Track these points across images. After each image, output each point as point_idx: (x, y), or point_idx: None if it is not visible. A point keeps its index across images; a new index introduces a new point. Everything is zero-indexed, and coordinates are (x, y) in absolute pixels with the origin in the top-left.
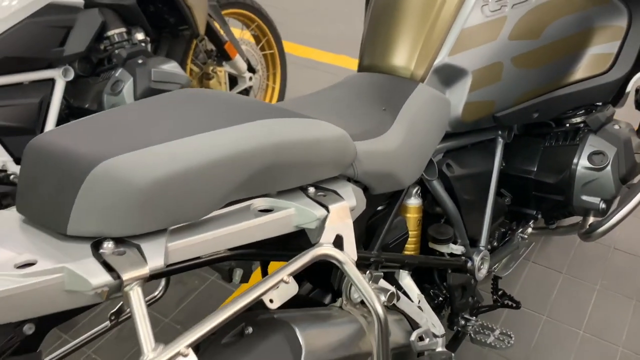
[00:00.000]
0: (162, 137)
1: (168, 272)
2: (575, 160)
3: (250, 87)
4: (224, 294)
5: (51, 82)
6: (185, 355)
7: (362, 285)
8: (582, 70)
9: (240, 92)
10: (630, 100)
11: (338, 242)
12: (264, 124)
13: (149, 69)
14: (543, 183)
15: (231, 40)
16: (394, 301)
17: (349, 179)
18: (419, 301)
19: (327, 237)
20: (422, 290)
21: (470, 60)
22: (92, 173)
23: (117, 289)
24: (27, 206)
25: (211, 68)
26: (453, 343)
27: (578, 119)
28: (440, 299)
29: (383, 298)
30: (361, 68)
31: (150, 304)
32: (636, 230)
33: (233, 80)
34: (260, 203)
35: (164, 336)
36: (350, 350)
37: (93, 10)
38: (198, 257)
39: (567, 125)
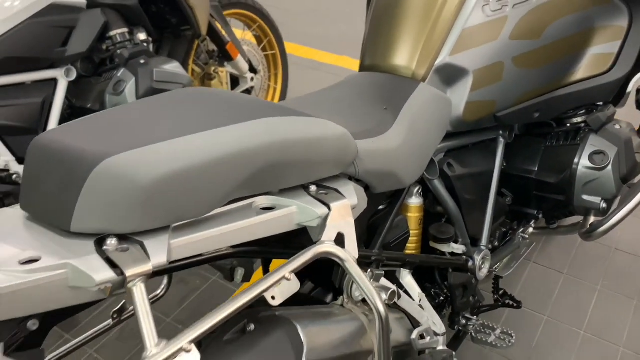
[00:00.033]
0: (164, 135)
1: (171, 269)
2: (576, 160)
3: (252, 87)
4: (225, 293)
5: (54, 82)
6: (188, 351)
7: (364, 283)
8: (582, 70)
9: (242, 93)
10: (631, 100)
11: (339, 240)
12: (266, 122)
13: (151, 69)
14: (544, 183)
15: (233, 41)
16: (395, 299)
17: (351, 178)
18: (420, 300)
19: (329, 235)
20: (423, 289)
21: (472, 60)
22: (96, 171)
23: (121, 286)
24: (30, 204)
25: (213, 68)
26: (454, 342)
27: (579, 119)
28: (441, 298)
29: (384, 296)
30: (363, 68)
31: (152, 303)
32: (637, 231)
33: (235, 81)
34: (262, 201)
35: (166, 335)
36: (352, 348)
37: (95, 10)
38: (200, 255)
39: (568, 125)
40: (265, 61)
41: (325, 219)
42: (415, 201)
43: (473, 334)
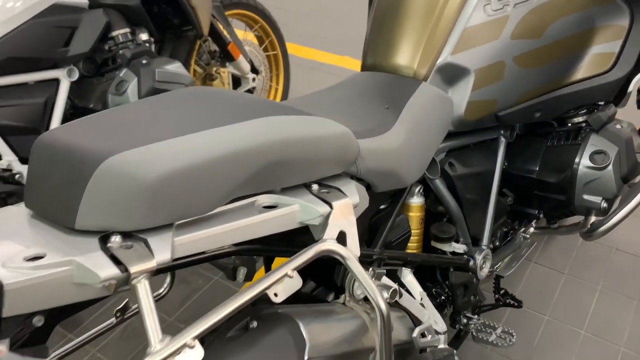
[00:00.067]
0: (168, 133)
1: (174, 266)
2: (577, 160)
3: (254, 88)
4: (227, 293)
5: (56, 82)
6: (192, 347)
7: (365, 281)
8: (583, 69)
9: None
10: (632, 99)
11: (341, 239)
12: (268, 121)
13: (153, 69)
14: (545, 182)
15: (234, 41)
16: (397, 298)
17: (352, 177)
18: (421, 298)
19: (331, 233)
20: (425, 288)
21: (473, 60)
22: (100, 168)
23: (125, 282)
24: (35, 201)
25: (214, 69)
26: (455, 341)
27: (580, 119)
28: (443, 297)
29: (385, 294)
30: (364, 67)
31: (155, 301)
32: (638, 231)
33: (236, 81)
34: (264, 199)
35: (168, 334)
36: (353, 345)
37: (97, 10)
38: (203, 252)
39: (569, 124)
40: (267, 61)
41: (327, 217)
42: (416, 200)
43: (474, 333)
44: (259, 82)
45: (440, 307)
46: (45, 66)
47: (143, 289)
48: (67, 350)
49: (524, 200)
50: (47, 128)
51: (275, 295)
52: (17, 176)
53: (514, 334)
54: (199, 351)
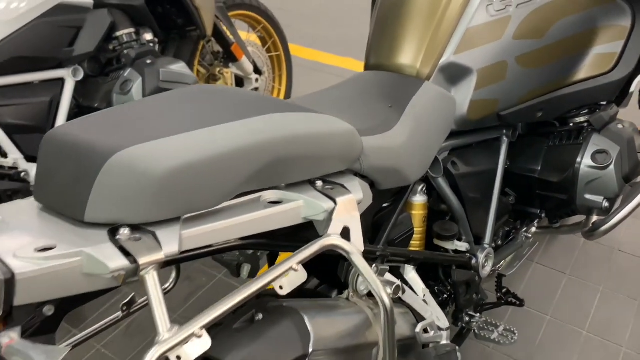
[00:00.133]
0: (175, 129)
1: (182, 259)
2: (578, 159)
3: (257, 88)
4: (231, 290)
5: (61, 81)
6: (199, 337)
7: (369, 275)
8: (585, 69)
9: None
10: (634, 99)
11: (345, 234)
12: (274, 118)
13: (158, 69)
14: (547, 182)
15: (238, 42)
16: (400, 294)
17: (356, 174)
18: (424, 295)
19: (335, 228)
20: (428, 286)
21: (475, 59)
22: (109, 163)
23: (134, 273)
24: (45, 195)
25: (218, 69)
26: (457, 339)
27: (582, 119)
28: (445, 295)
29: (389, 290)
30: (368, 67)
31: None
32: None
33: (239, 82)
34: (269, 195)
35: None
36: (357, 340)
37: (102, 10)
38: (210, 246)
39: (571, 124)
40: (270, 62)
41: (331, 213)
42: (419, 199)
43: (476, 331)
44: (261, 83)
45: (442, 305)
46: (51, 66)
47: (152, 279)
48: (74, 342)
49: (526, 199)
50: (52, 127)
51: (281, 287)
52: (23, 174)
53: (515, 332)
54: (206, 340)
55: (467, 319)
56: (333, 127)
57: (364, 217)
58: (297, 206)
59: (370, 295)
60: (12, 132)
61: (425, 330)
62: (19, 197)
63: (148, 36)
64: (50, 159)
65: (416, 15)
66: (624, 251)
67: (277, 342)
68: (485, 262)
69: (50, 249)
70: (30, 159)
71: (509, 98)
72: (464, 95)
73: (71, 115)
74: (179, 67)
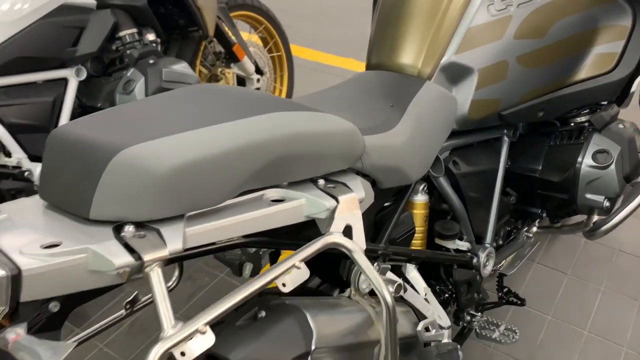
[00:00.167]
0: (179, 127)
1: (186, 256)
2: (579, 159)
3: (258, 89)
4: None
5: (64, 81)
6: (204, 333)
7: (371, 273)
8: (586, 69)
9: None
10: (635, 100)
11: (347, 232)
12: (277, 117)
13: (160, 69)
14: (548, 181)
15: (239, 43)
16: (401, 292)
17: (358, 173)
18: (425, 294)
19: (337, 226)
20: (429, 286)
21: (476, 59)
22: (113, 161)
23: (138, 270)
24: (50, 193)
25: (220, 70)
26: (459, 338)
27: (583, 118)
28: (446, 295)
29: (391, 289)
30: (369, 66)
31: None
32: None
33: (241, 82)
34: (272, 193)
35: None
36: (359, 338)
37: (105, 11)
38: (213, 243)
39: (572, 124)
40: (271, 63)
41: (333, 211)
42: (420, 198)
43: (477, 330)
44: (263, 83)
45: (444, 304)
46: (54, 66)
47: (156, 276)
48: (78, 340)
49: (527, 199)
50: (56, 127)
51: (284, 285)
52: (26, 173)
53: (517, 331)
54: (210, 337)
55: (469, 318)
56: (335, 126)
57: (365, 215)
58: (300, 204)
59: (372, 293)
60: (15, 131)
61: (427, 329)
62: (22, 196)
63: (150, 36)
64: (55, 157)
65: (417, 15)
66: (625, 251)
67: (280, 339)
68: (486, 262)
69: (56, 245)
70: (33, 158)
71: (510, 98)
72: (465, 95)
73: (74, 115)
74: (182, 67)
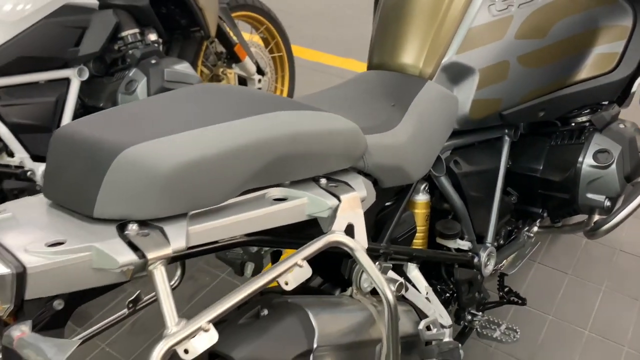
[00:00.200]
0: (182, 126)
1: (189, 254)
2: (580, 159)
3: (259, 89)
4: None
5: (66, 81)
6: (207, 330)
7: (373, 272)
8: (587, 69)
9: None
10: (636, 100)
11: (349, 231)
12: (279, 116)
13: (162, 69)
14: (549, 181)
15: (241, 43)
16: (403, 291)
17: (360, 172)
18: (427, 293)
19: (339, 225)
20: (430, 285)
21: (478, 59)
22: (117, 159)
23: (142, 268)
24: (54, 191)
25: (221, 70)
26: (460, 337)
27: (583, 118)
28: (448, 294)
29: (392, 287)
30: (371, 66)
31: None
32: None
33: (242, 82)
34: (274, 192)
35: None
36: (361, 336)
37: (107, 11)
38: (216, 242)
39: (573, 124)
40: (273, 63)
41: (335, 210)
42: (422, 198)
43: (478, 329)
44: (264, 83)
45: (445, 304)
46: (56, 66)
47: (160, 274)
48: (81, 339)
49: (528, 199)
50: (58, 126)
51: (286, 283)
52: (29, 173)
53: (518, 330)
54: (213, 334)
55: (470, 317)
56: (337, 125)
57: (367, 215)
58: (302, 203)
59: (373, 292)
60: (18, 131)
61: (428, 328)
62: (24, 196)
63: (152, 36)
64: (59, 156)
65: (418, 15)
66: (626, 251)
67: (282, 338)
68: (487, 261)
69: (61, 243)
70: (36, 158)
71: (511, 97)
72: (466, 95)
73: (76, 115)
74: (183, 67)
